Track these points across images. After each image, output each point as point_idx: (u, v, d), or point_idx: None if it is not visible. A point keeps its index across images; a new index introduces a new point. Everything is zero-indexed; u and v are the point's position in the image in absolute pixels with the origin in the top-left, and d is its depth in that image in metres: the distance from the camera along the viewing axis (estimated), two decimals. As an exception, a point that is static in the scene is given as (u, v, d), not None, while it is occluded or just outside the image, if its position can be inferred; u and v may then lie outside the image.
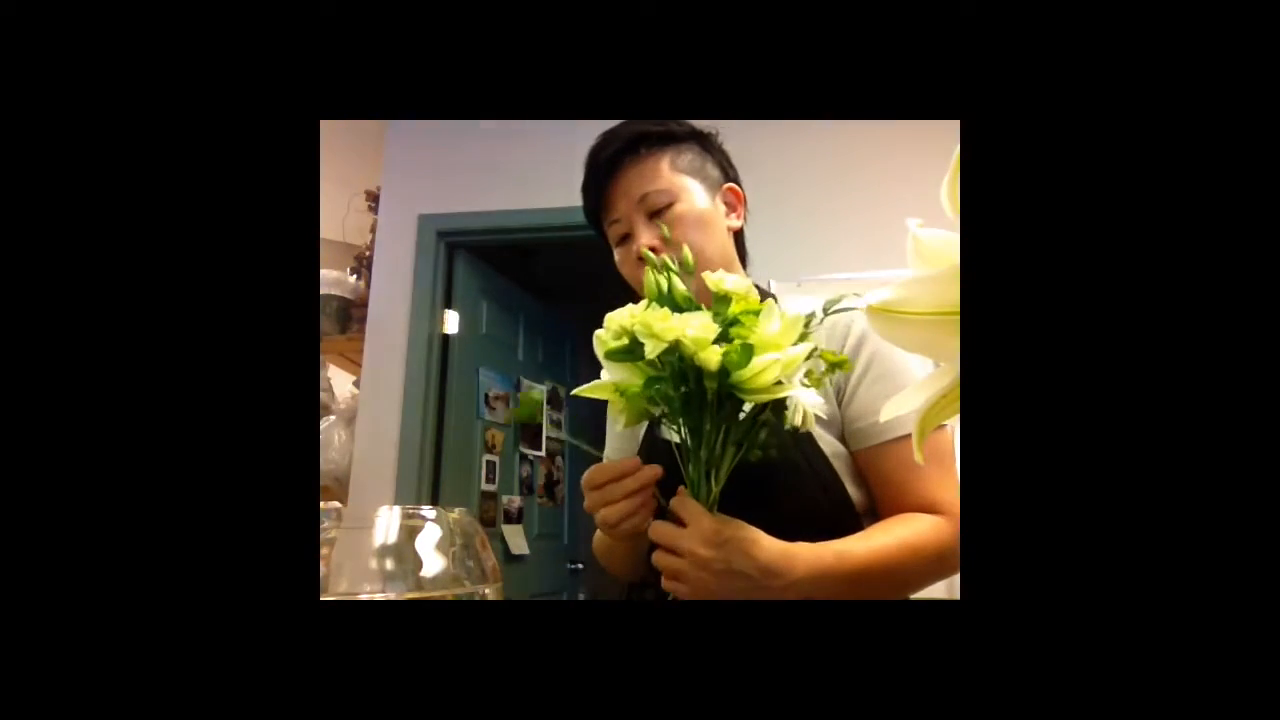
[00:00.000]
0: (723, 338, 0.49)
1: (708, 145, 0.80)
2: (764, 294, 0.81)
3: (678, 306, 0.52)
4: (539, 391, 0.57)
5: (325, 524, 0.40)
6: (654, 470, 0.57)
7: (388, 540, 0.41)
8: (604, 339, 0.52)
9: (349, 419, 2.22)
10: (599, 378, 0.55)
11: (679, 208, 0.74)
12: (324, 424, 2.19)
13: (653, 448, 0.76)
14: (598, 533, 0.81)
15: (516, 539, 2.40)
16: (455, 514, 0.44)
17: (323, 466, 2.11)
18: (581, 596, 2.85)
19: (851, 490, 0.69)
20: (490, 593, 0.43)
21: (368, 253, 2.39)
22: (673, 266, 0.55)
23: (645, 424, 0.71)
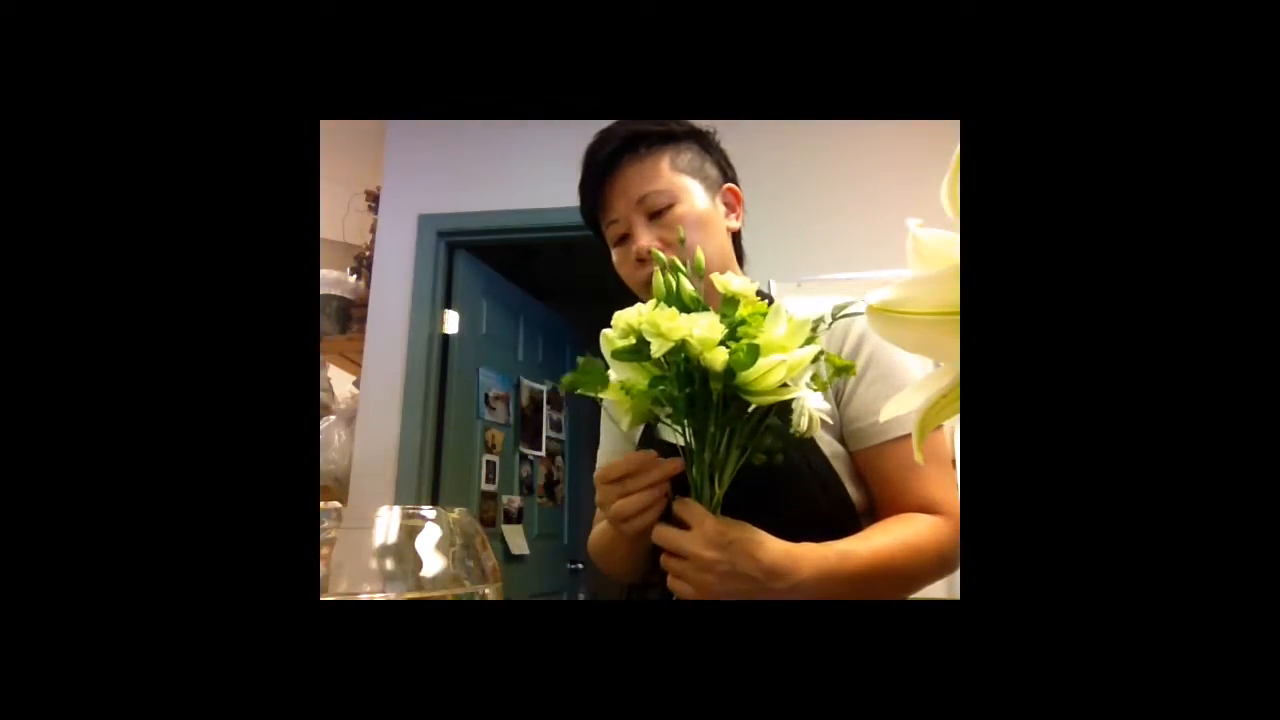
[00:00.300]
0: (729, 339, 0.49)
1: (706, 145, 0.80)
2: (764, 296, 0.81)
3: (685, 307, 0.52)
4: (599, 364, 0.57)
5: (325, 524, 0.40)
6: (674, 464, 0.56)
7: (388, 540, 0.41)
8: (611, 338, 0.52)
9: (349, 419, 2.22)
10: None
11: (679, 209, 0.73)
12: (324, 424, 2.19)
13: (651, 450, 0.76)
14: (594, 533, 0.81)
15: (516, 539, 2.40)
16: (455, 514, 0.44)
17: (323, 466, 2.11)
18: (581, 596, 2.85)
19: (851, 490, 0.69)
20: (490, 593, 0.43)
21: (368, 253, 2.39)
22: (681, 267, 0.55)
23: (642, 426, 0.71)
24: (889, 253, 1.73)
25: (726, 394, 0.50)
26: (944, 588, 0.67)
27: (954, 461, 0.81)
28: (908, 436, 0.66)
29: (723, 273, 0.74)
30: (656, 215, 0.73)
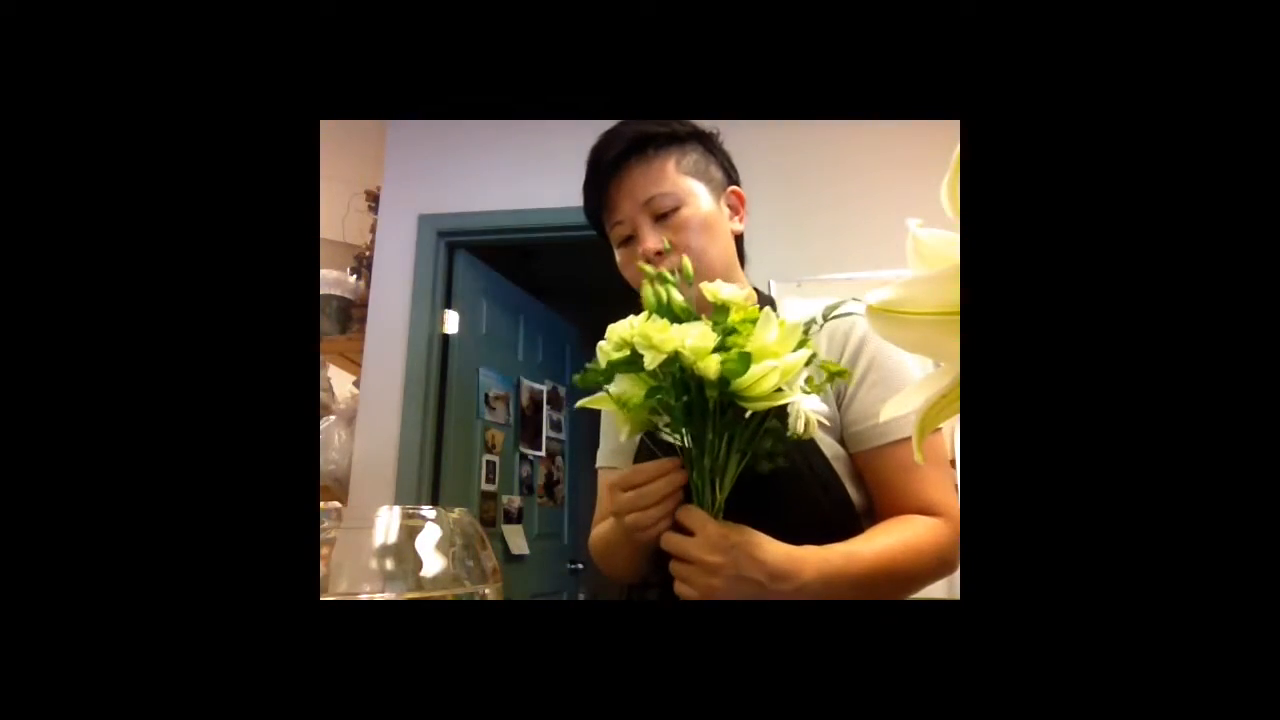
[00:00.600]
0: (722, 347, 0.49)
1: (711, 147, 0.80)
2: (763, 297, 0.82)
3: (676, 317, 0.53)
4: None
5: (325, 524, 0.40)
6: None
7: (388, 540, 0.41)
8: (606, 350, 0.53)
9: (349, 419, 2.22)
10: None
11: (685, 211, 0.73)
12: (324, 424, 2.18)
13: (651, 455, 0.76)
14: (596, 533, 0.81)
15: (516, 539, 2.40)
16: (455, 514, 0.44)
17: (323, 466, 2.11)
18: (581, 596, 2.85)
19: (852, 492, 0.69)
20: (490, 593, 0.43)
21: (368, 253, 2.39)
22: (670, 278, 0.55)
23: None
24: (889, 253, 1.73)
25: (722, 400, 0.50)
26: (944, 588, 0.68)
27: (953, 462, 0.81)
28: (907, 439, 0.66)
29: (727, 275, 0.75)
30: (662, 217, 0.74)
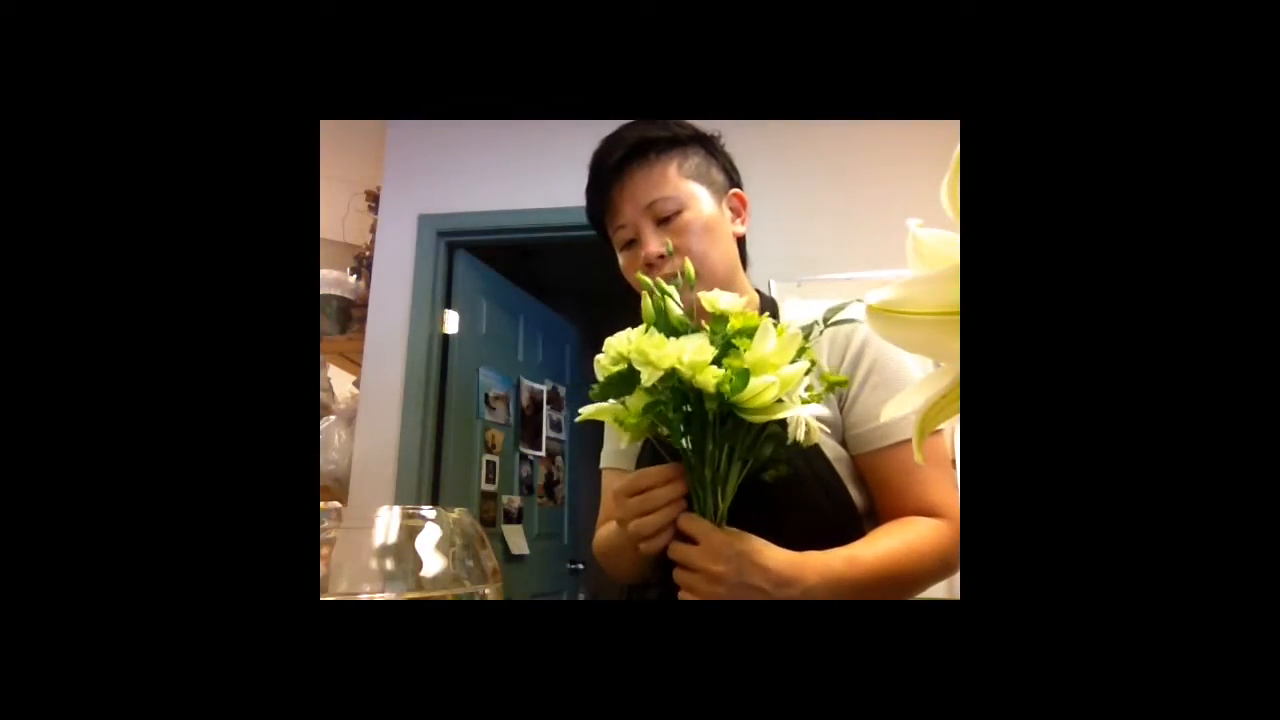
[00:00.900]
0: (720, 358, 0.49)
1: (713, 150, 0.80)
2: (765, 299, 0.82)
3: (674, 330, 0.52)
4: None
5: (325, 524, 0.40)
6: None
7: (388, 540, 0.41)
8: (604, 364, 0.53)
9: (349, 419, 2.22)
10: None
11: (687, 215, 0.73)
12: (324, 424, 2.18)
13: (655, 457, 0.76)
14: (601, 534, 0.81)
15: (516, 539, 2.40)
16: (455, 514, 0.44)
17: (323, 466, 2.11)
18: (581, 596, 2.85)
19: (854, 494, 0.69)
20: (490, 593, 0.43)
21: (368, 253, 2.39)
22: (667, 289, 0.55)
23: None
24: (889, 253, 1.73)
25: (722, 411, 0.50)
26: (944, 588, 0.68)
27: (954, 463, 0.81)
28: (908, 441, 0.66)
29: (730, 278, 0.75)
30: (664, 221, 0.74)
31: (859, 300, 0.51)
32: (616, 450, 0.87)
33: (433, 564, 0.41)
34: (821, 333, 0.54)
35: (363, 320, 2.27)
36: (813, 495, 0.67)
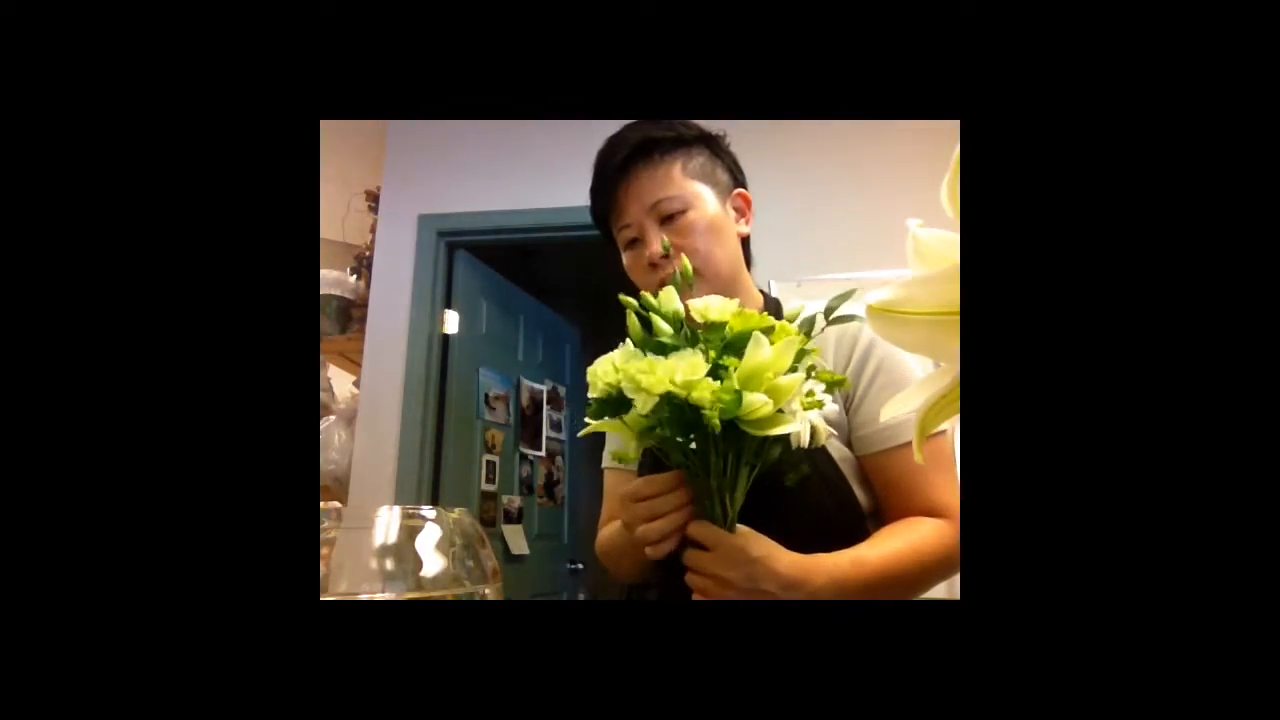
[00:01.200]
0: (715, 370, 0.47)
1: (717, 150, 0.80)
2: (768, 298, 0.81)
3: (663, 347, 0.50)
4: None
5: (325, 524, 0.39)
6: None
7: (388, 540, 0.41)
8: (596, 389, 0.51)
9: (349, 419, 2.22)
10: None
11: (691, 215, 0.73)
12: (324, 424, 2.18)
13: (656, 461, 0.76)
14: (604, 535, 0.81)
15: (516, 539, 2.40)
16: (455, 514, 0.44)
17: (323, 466, 2.11)
18: (581, 596, 2.85)
19: (858, 494, 0.69)
20: (490, 593, 0.43)
21: (368, 253, 2.39)
22: (652, 301, 0.53)
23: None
24: (889, 253, 1.73)
25: (724, 421, 0.49)
26: (944, 587, 0.68)
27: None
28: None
29: (734, 278, 0.75)
30: (668, 221, 0.74)
31: (858, 289, 0.50)
32: (619, 449, 0.86)
33: (433, 564, 0.41)
34: (823, 330, 0.54)
35: (363, 320, 2.27)
36: (818, 496, 0.67)
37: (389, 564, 0.41)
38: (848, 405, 0.70)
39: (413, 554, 0.41)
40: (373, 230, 2.38)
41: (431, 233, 2.30)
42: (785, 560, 0.55)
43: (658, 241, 0.73)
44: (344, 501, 2.09)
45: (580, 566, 2.80)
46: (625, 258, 0.79)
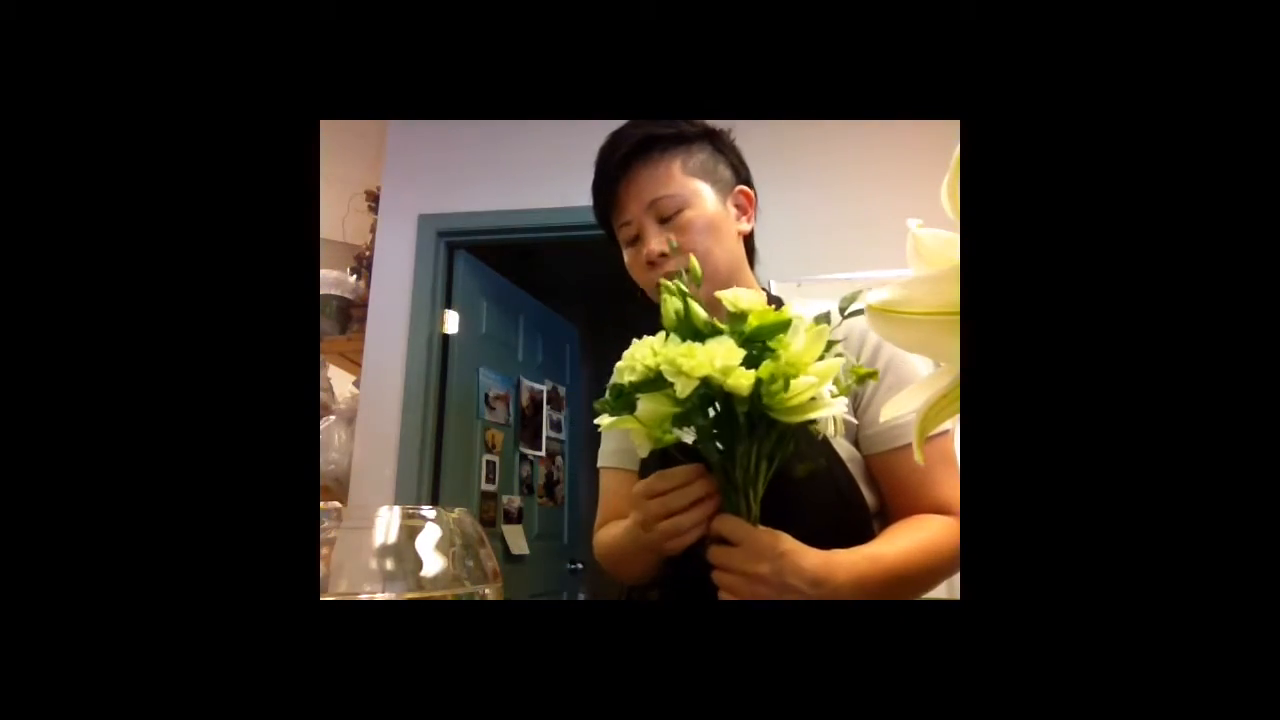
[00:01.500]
0: (748, 359, 0.48)
1: (720, 145, 0.79)
2: (770, 297, 0.81)
3: (699, 333, 0.51)
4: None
5: (325, 524, 0.39)
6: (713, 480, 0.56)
7: (388, 540, 0.41)
8: (626, 373, 0.51)
9: (349, 419, 2.22)
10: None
11: (689, 213, 0.73)
12: (324, 424, 2.18)
13: (664, 455, 0.76)
14: (606, 536, 0.80)
15: (516, 539, 2.40)
16: (455, 514, 0.44)
17: (323, 466, 2.11)
18: (581, 596, 2.85)
19: (866, 493, 0.69)
20: (490, 593, 0.43)
21: (368, 253, 2.39)
22: (687, 290, 0.54)
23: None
24: (889, 253, 1.73)
25: (753, 414, 0.49)
26: (944, 587, 0.68)
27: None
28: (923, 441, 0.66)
29: (733, 277, 0.75)
30: (667, 219, 0.74)
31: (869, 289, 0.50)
32: (616, 449, 0.86)
33: (433, 564, 0.41)
34: (840, 324, 0.53)
35: (363, 320, 2.27)
36: (828, 495, 0.67)
37: (389, 564, 0.41)
38: (856, 405, 0.71)
39: (413, 554, 0.41)
40: (373, 230, 2.38)
41: (431, 233, 2.30)
42: (809, 556, 0.54)
43: (655, 239, 0.73)
44: (344, 501, 2.09)
45: (580, 566, 2.80)
46: (626, 255, 0.79)
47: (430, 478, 2.12)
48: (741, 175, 0.81)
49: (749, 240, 0.82)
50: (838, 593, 0.54)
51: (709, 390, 0.48)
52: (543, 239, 2.37)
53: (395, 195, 2.37)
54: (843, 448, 0.69)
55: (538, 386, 2.70)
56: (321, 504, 0.38)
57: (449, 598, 0.41)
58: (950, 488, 0.67)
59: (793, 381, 0.46)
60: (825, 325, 0.50)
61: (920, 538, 0.63)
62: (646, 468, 0.79)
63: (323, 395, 2.27)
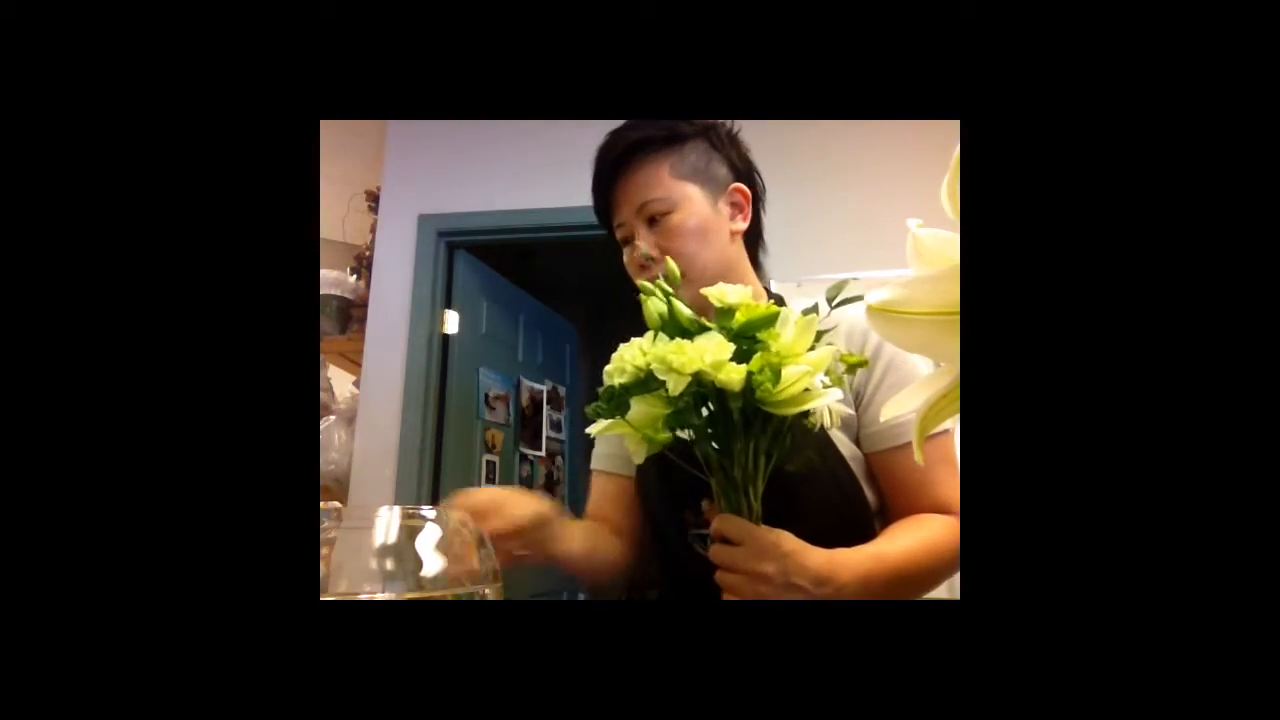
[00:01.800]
0: (738, 354, 0.48)
1: (717, 143, 0.79)
2: (772, 296, 0.81)
3: (685, 330, 0.51)
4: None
5: (325, 524, 0.39)
6: (535, 508, 0.59)
7: (388, 540, 0.41)
8: (616, 376, 0.50)
9: (349, 419, 2.21)
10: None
11: (675, 217, 0.74)
12: (324, 424, 2.18)
13: (661, 460, 0.75)
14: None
15: (516, 539, 2.39)
16: (455, 514, 0.44)
17: (323, 466, 2.11)
18: (581, 596, 2.85)
19: (867, 492, 0.69)
20: (490, 593, 0.43)
21: (368, 253, 2.39)
22: (667, 288, 0.53)
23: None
24: (889, 253, 1.73)
25: (747, 410, 0.49)
26: (944, 587, 0.68)
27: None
28: (924, 439, 0.66)
29: (724, 279, 0.74)
30: (655, 222, 0.74)
31: (855, 279, 0.50)
32: (610, 453, 0.87)
33: (433, 564, 0.41)
34: (829, 314, 0.53)
35: (363, 320, 2.27)
36: (829, 493, 0.67)
37: (389, 564, 0.41)
38: (857, 404, 0.71)
39: (413, 554, 0.41)
40: (373, 230, 2.38)
41: (431, 233, 2.30)
42: (813, 554, 0.54)
43: (643, 243, 0.74)
44: (344, 501, 2.09)
45: (580, 566, 2.79)
46: (624, 254, 0.80)
47: (430, 478, 2.12)
48: (740, 172, 0.80)
49: (750, 237, 0.81)
50: (842, 592, 0.54)
51: (701, 388, 0.48)
52: (542, 239, 2.37)
53: (395, 195, 2.36)
54: (844, 446, 0.69)
55: (538, 386, 2.70)
56: (321, 504, 0.38)
57: (449, 598, 0.41)
58: (950, 487, 0.67)
59: (784, 372, 0.46)
60: (814, 316, 0.49)
61: (922, 537, 0.63)
62: (644, 473, 0.79)
63: (323, 395, 2.27)
